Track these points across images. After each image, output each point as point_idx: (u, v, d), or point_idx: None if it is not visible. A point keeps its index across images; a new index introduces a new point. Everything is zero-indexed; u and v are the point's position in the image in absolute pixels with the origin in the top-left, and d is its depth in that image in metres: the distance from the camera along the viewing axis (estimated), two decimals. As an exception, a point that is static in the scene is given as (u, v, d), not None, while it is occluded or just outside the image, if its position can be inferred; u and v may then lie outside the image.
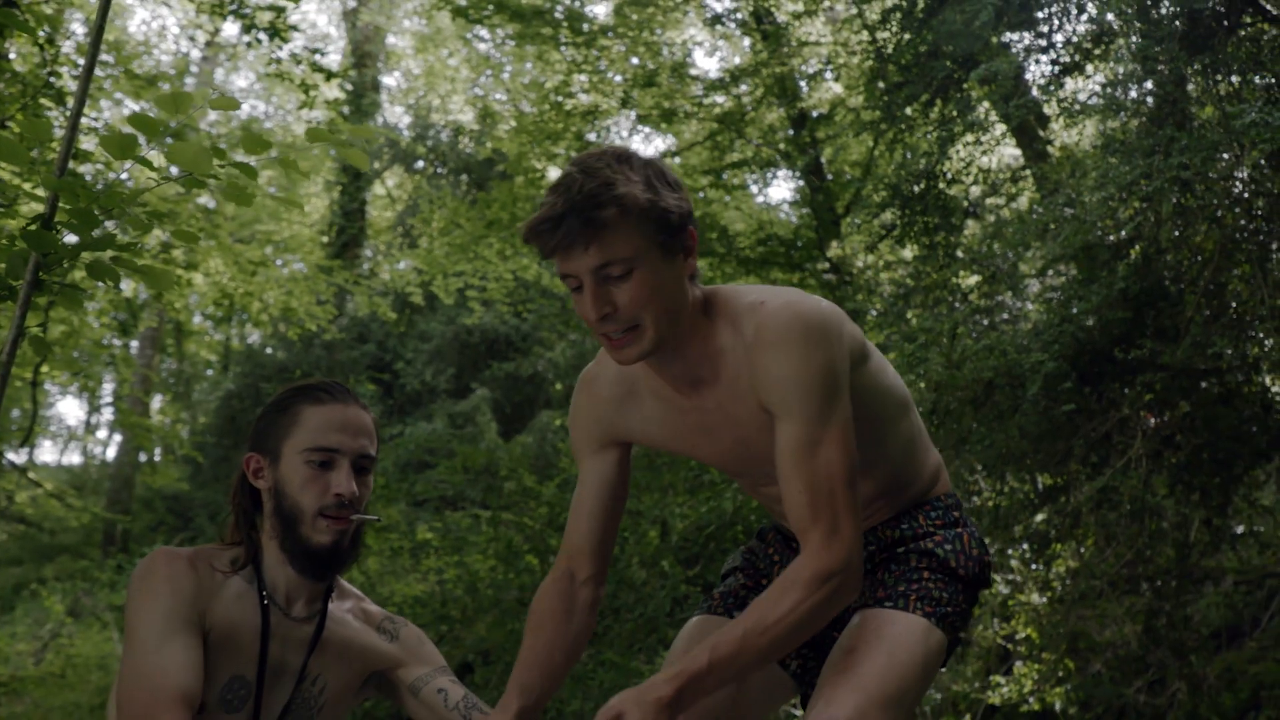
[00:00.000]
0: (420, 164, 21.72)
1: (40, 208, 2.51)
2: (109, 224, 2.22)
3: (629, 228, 1.90)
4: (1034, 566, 5.23)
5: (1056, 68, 6.02)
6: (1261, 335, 4.41)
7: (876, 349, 2.23)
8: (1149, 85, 5.04)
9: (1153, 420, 4.70)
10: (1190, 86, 4.88)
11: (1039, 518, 5.20)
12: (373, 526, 11.38)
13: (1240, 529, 6.09)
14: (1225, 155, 4.40)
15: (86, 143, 7.79)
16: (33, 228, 2.07)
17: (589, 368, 2.31)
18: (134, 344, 18.96)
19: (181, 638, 1.99)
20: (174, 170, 2.29)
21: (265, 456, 2.17)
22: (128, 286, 12.24)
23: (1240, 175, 4.50)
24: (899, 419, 2.22)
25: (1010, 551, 5.25)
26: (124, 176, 2.40)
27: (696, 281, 2.06)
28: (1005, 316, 5.65)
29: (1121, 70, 5.30)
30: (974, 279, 6.09)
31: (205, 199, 12.76)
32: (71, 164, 2.56)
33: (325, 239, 19.41)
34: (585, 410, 2.28)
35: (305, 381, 2.24)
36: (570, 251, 1.90)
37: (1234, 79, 4.75)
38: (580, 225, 1.87)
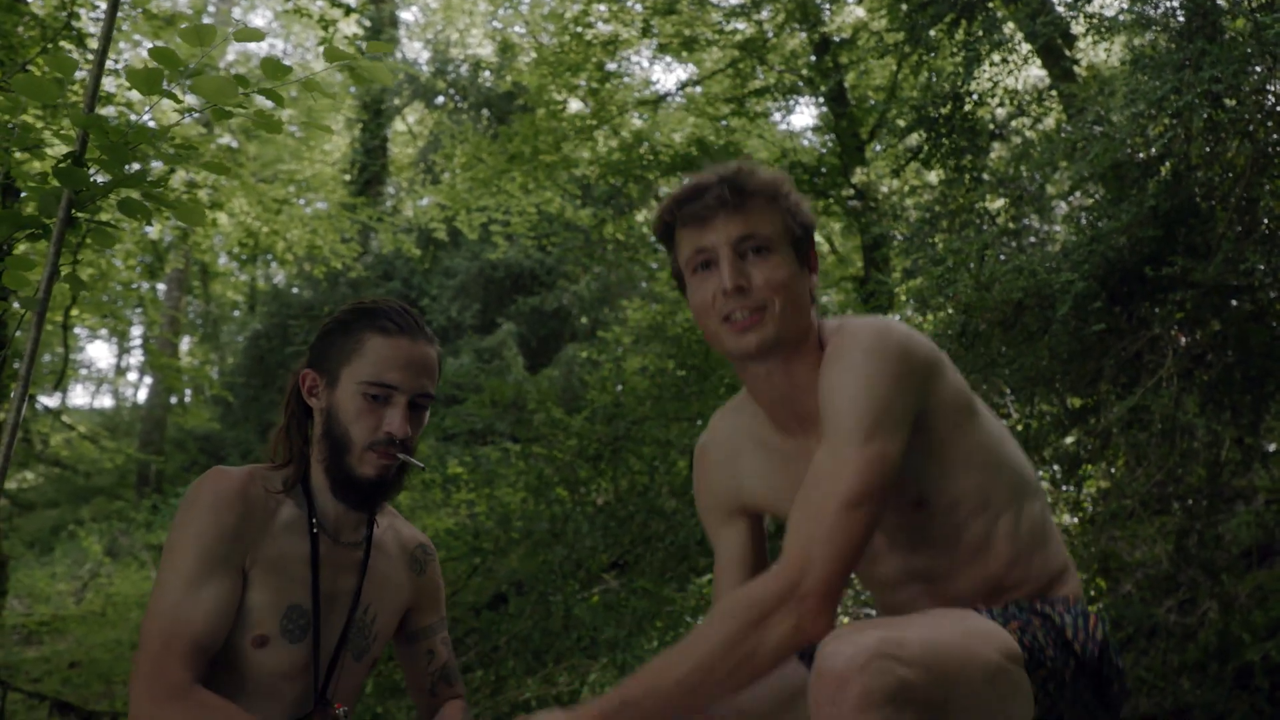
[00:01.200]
0: (440, 99, 21.63)
1: (64, 152, 2.52)
2: (140, 163, 2.23)
3: (773, 209, 1.96)
4: (1065, 488, 5.23)
5: (1083, -17, 5.92)
6: (1294, 249, 4.37)
7: (991, 414, 2.08)
8: (1178, -1, 4.96)
9: (1183, 339, 4.67)
10: (1221, -1, 4.80)
11: (1069, 440, 5.19)
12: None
13: (1272, 447, 6.06)
14: (1257, 68, 4.32)
15: (108, 84, 7.78)
16: (64, 165, 2.07)
17: (701, 438, 2.27)
18: (160, 286, 19.05)
19: (214, 581, 1.97)
20: (199, 106, 2.29)
21: (323, 377, 2.13)
22: (153, 230, 12.28)
23: (1272, 88, 4.42)
24: (1013, 501, 2.01)
25: (1041, 473, 5.26)
26: (147, 115, 2.40)
27: (815, 305, 2.04)
28: (1033, 240, 5.61)
29: (1150, -16, 5.21)
30: (1001, 202, 6.04)
31: (228, 138, 12.78)
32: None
33: (348, 177, 19.40)
34: (701, 482, 2.24)
35: (374, 303, 2.17)
36: (713, 220, 1.93)
37: (1266, -11, 4.66)
38: (730, 192, 1.92)
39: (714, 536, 2.22)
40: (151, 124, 2.58)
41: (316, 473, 2.14)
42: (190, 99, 2.29)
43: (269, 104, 2.42)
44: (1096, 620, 2.01)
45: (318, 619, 2.08)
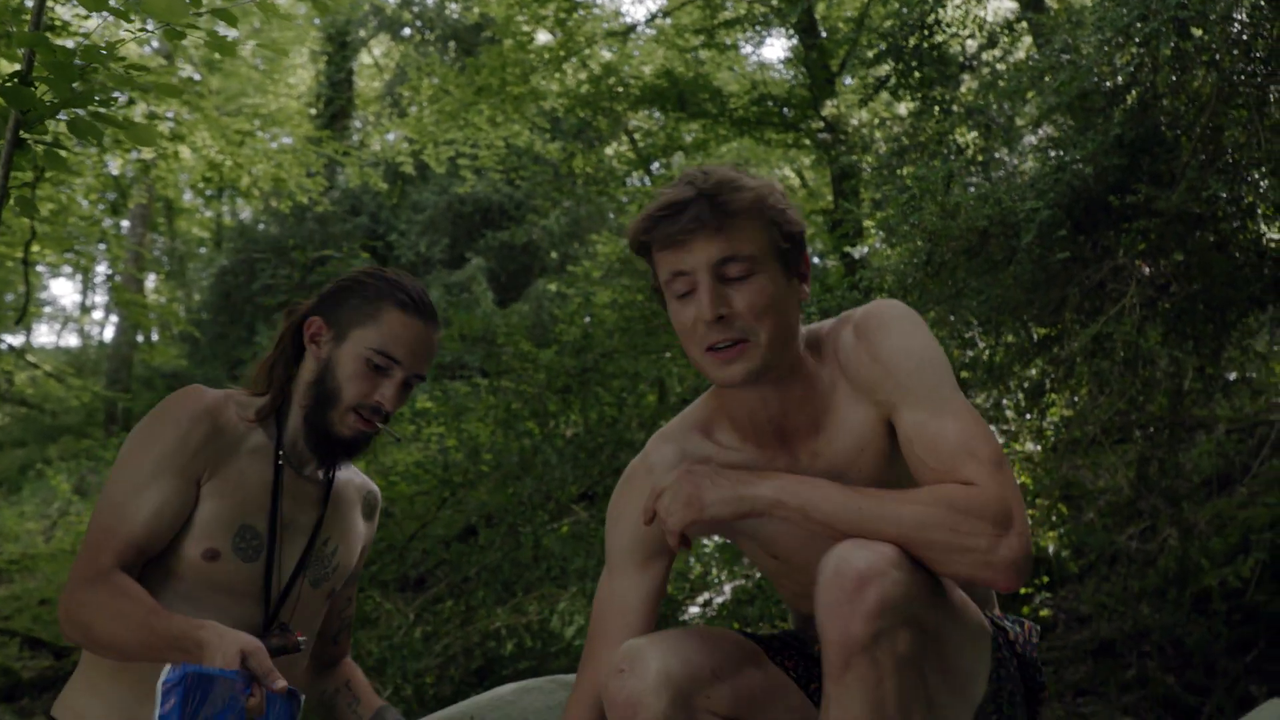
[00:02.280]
0: (407, 31, 21.36)
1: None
2: (90, 85, 2.18)
3: (756, 225, 1.81)
4: (1028, 416, 5.28)
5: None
6: (1257, 178, 4.38)
7: None
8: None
9: (1147, 268, 4.69)
10: (1190, -75, 4.77)
11: (1032, 371, 5.23)
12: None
13: (1233, 376, 6.13)
14: (1224, -4, 4.31)
15: (63, 13, 7.63)
16: (10, 85, 2.04)
17: (634, 463, 2.09)
18: (125, 223, 18.85)
19: (161, 485, 2.02)
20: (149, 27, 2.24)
21: (330, 329, 2.17)
22: (114, 166, 12.11)
23: (1239, 16, 4.41)
24: None
25: (1005, 402, 5.30)
26: (94, 26, 2.36)
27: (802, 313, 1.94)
28: (1001, 173, 5.60)
29: (1120, -90, 5.17)
30: (971, 134, 6.03)
31: (189, 70, 12.57)
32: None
33: (313, 111, 19.18)
34: (627, 514, 2.03)
35: (399, 277, 2.22)
36: (692, 241, 1.79)
37: (1234, -85, 4.63)
38: (709, 211, 1.77)
39: (619, 577, 2.02)
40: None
41: (294, 412, 2.18)
42: (141, 23, 2.24)
43: (231, 32, 2.37)
44: (1031, 628, 2.05)
45: (273, 542, 2.11)
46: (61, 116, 2.12)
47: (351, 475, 2.37)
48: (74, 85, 2.00)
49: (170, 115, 10.67)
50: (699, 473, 1.79)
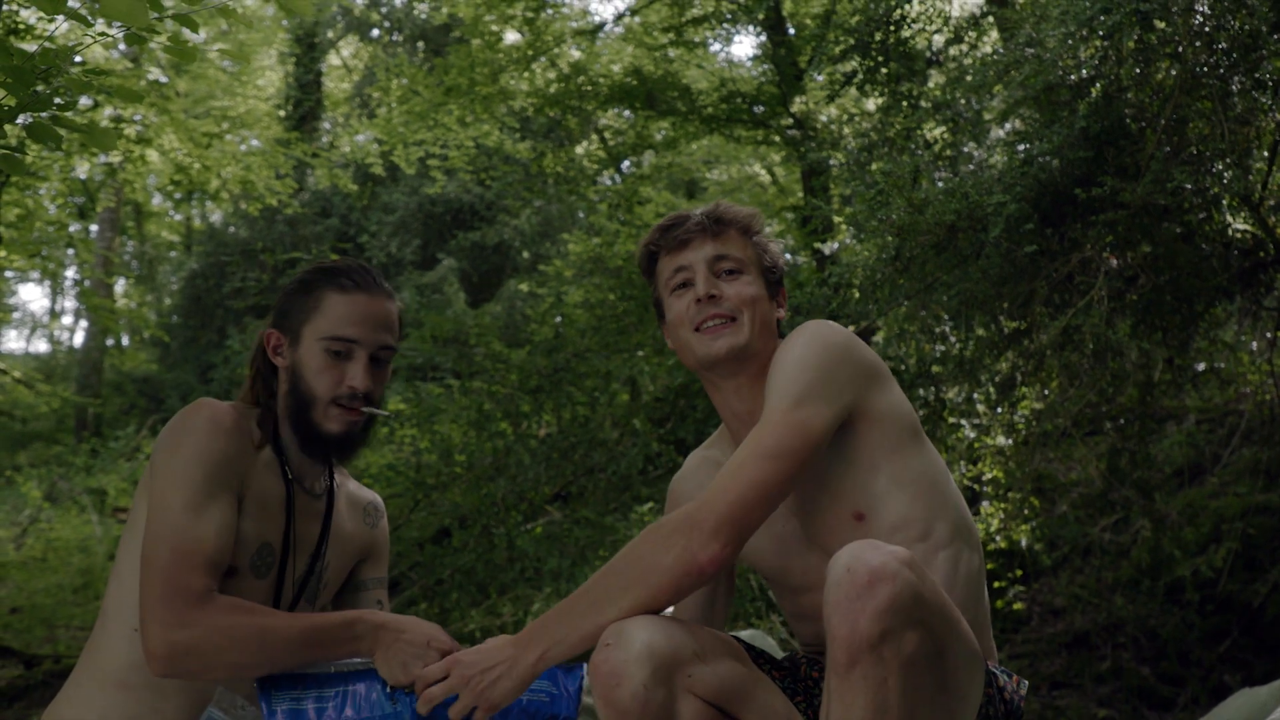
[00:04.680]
0: (375, 32, 21.28)
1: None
2: (50, 89, 2.16)
3: (746, 241, 2.21)
4: (999, 409, 5.30)
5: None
6: (1221, 169, 4.40)
7: (935, 452, 2.18)
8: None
9: (1114, 260, 4.72)
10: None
11: (1003, 364, 5.26)
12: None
13: (1202, 366, 6.18)
14: (1186, -11, 4.33)
15: (28, 16, 7.57)
16: (-33, 89, 2.01)
17: (675, 477, 2.43)
18: (93, 228, 18.70)
19: (221, 501, 1.98)
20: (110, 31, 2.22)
21: (285, 336, 2.18)
22: (82, 171, 12.01)
23: (1201, 9, 4.44)
24: (953, 542, 2.06)
25: (976, 395, 5.32)
26: (58, 30, 2.33)
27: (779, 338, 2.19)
28: (971, 168, 5.62)
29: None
30: (939, 130, 6.05)
31: (156, 73, 12.48)
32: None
33: (282, 113, 19.05)
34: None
35: (334, 263, 2.23)
36: (692, 242, 2.17)
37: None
38: (709, 221, 2.18)
39: None
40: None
41: (284, 427, 2.18)
42: (104, 27, 2.22)
43: (195, 36, 2.35)
44: (1020, 681, 2.08)
45: (284, 561, 2.13)
46: (21, 120, 2.10)
47: (348, 487, 2.39)
48: (35, 89, 1.98)
49: (138, 118, 10.59)
50: (474, 674, 1.92)
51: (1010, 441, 5.36)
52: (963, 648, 1.81)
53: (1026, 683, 2.12)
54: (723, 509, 1.85)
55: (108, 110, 9.06)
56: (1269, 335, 5.49)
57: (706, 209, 2.21)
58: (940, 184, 5.07)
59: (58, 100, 2.11)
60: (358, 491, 2.42)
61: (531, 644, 1.89)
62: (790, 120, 11.44)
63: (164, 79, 12.86)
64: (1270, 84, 4.38)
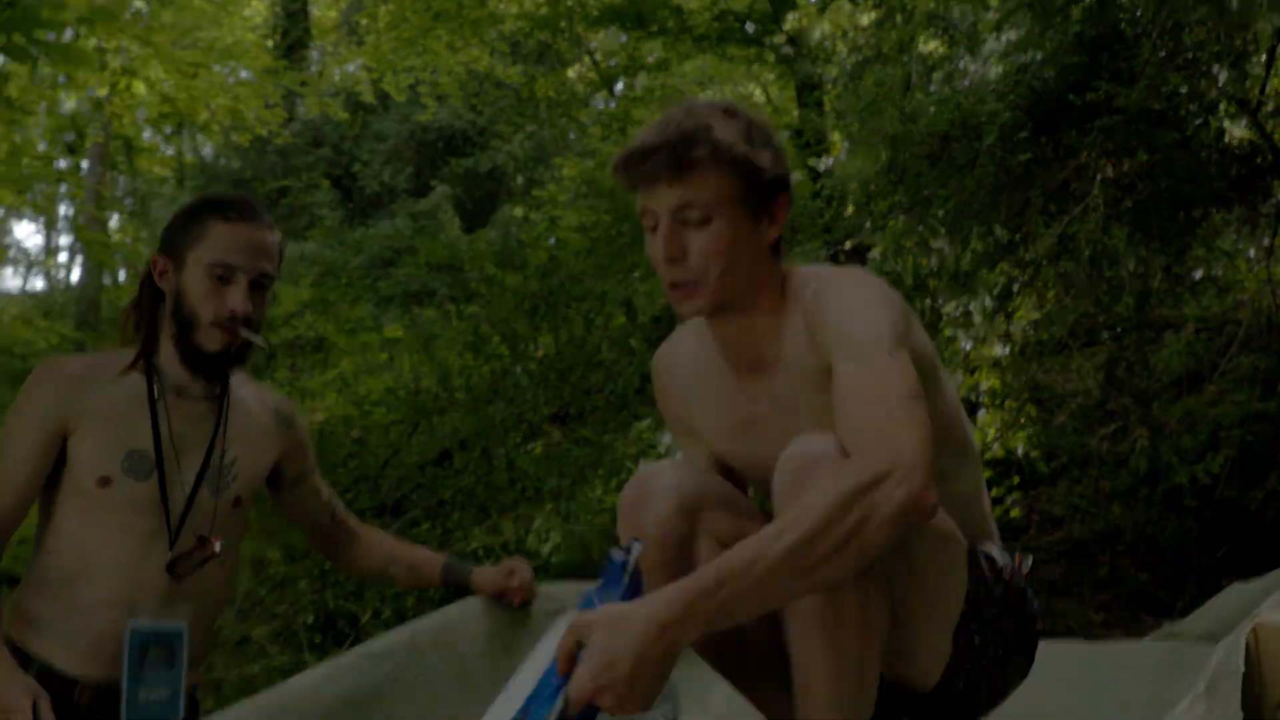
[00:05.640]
0: (361, -43, 20.96)
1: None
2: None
3: (718, 175, 1.87)
4: (995, 319, 5.29)
5: None
6: (1217, 72, 4.36)
7: (948, 379, 2.03)
8: None
9: (1110, 167, 4.68)
10: None
11: (999, 275, 5.24)
12: (342, 328, 11.42)
13: (1199, 274, 6.15)
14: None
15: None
16: (-59, 7, 1.97)
17: (660, 349, 2.24)
18: (84, 163, 18.56)
19: (17, 454, 2.22)
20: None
21: (171, 261, 2.31)
22: (69, 107, 11.89)
23: (1198, -91, 4.37)
24: (951, 462, 1.94)
25: (973, 306, 5.31)
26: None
27: (779, 255, 1.98)
28: (967, 82, 5.57)
29: None
30: (934, 43, 5.98)
31: (140, 4, 12.30)
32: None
33: (270, 43, 18.81)
34: (660, 396, 2.24)
35: (218, 195, 2.40)
36: (655, 186, 1.88)
37: None
38: (669, 160, 1.85)
39: (680, 444, 2.22)
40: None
41: (166, 347, 2.33)
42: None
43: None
44: (1023, 559, 2.03)
45: (160, 458, 2.26)
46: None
47: (258, 391, 2.53)
48: (8, 3, 1.95)
49: (122, 48, 10.46)
50: (615, 658, 1.49)
51: (1007, 351, 5.35)
52: (935, 534, 1.78)
53: (1031, 557, 2.04)
54: (926, 451, 1.62)
55: (93, 41, 8.96)
56: (1267, 242, 5.46)
57: (673, 138, 1.85)
58: (934, 94, 5.02)
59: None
60: (262, 393, 2.54)
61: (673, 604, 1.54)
62: (783, 38, 11.29)
63: (146, 9, 12.66)
64: (1267, -16, 4.32)
